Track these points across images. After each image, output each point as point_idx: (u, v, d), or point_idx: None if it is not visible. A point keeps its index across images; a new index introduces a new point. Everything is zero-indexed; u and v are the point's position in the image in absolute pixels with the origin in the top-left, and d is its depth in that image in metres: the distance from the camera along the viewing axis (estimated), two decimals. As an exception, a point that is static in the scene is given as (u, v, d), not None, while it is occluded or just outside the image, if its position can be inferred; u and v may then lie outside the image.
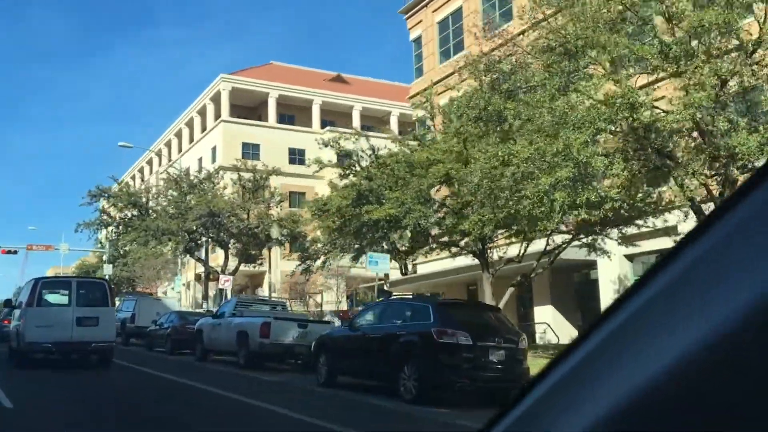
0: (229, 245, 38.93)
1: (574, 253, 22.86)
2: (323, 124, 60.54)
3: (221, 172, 40.65)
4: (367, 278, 47.39)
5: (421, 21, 40.16)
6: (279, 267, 45.67)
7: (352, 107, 62.55)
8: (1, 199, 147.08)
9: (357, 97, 63.70)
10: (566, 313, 30.40)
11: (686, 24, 12.75)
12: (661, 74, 14.36)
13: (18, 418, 10.48)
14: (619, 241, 20.82)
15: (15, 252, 54.79)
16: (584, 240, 20.84)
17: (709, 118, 12.42)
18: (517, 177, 13.98)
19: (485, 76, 16.49)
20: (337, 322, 23.01)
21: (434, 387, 12.52)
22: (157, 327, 27.56)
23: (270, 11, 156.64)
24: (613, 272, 26.34)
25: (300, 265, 31.50)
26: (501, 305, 19.04)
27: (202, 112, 62.88)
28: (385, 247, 25.51)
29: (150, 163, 76.57)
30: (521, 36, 17.22)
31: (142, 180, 72.57)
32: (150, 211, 40.05)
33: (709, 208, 14.69)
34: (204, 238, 39.01)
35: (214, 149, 57.75)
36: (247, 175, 38.36)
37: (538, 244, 21.87)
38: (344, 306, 48.54)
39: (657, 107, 13.79)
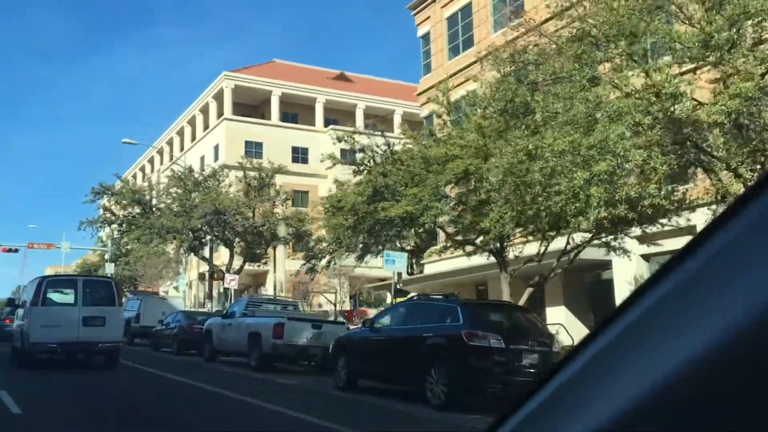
0: (234, 244, 38.29)
1: (589, 252, 22.25)
2: (326, 123, 59.92)
3: (226, 170, 39.94)
4: (371, 278, 46.80)
5: (429, 17, 39.56)
6: (284, 266, 45.02)
7: (356, 105, 61.87)
8: (1, 199, 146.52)
9: (361, 95, 63.07)
10: (578, 314, 29.81)
11: (729, 11, 12.13)
12: (695, 64, 13.76)
13: (28, 425, 9.86)
14: (642, 240, 20.18)
15: (16, 250, 54.21)
16: (604, 239, 20.19)
17: (754, 109, 11.78)
18: (546, 172, 13.33)
19: (510, 66, 15.82)
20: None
21: (464, 392, 11.88)
22: (163, 327, 26.93)
23: (270, 11, 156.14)
24: (629, 272, 25.72)
25: (305, 264, 30.91)
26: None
27: (205, 110, 62.22)
28: (398, 245, 24.88)
29: (151, 161, 75.91)
30: (545, 24, 16.58)
31: (144, 179, 71.94)
32: (154, 208, 39.37)
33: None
34: (208, 237, 38.35)
35: (216, 147, 57.10)
36: (252, 173, 37.73)
37: (556, 243, 21.25)
38: (346, 306, 47.98)
39: (694, 99, 13.17)
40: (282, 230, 33.38)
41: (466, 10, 36.72)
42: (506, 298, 20.47)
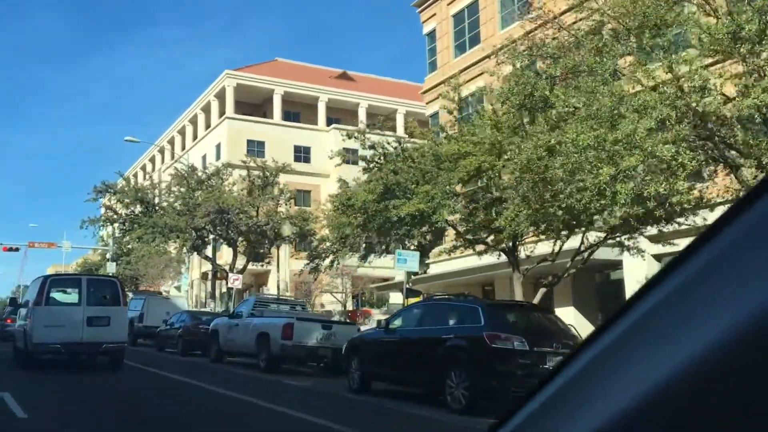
0: (237, 243, 37.84)
1: (600, 252, 21.82)
2: (329, 122, 59.51)
3: (229, 169, 39.45)
4: (374, 278, 46.36)
5: (435, 14, 39.15)
6: (287, 266, 44.57)
7: (358, 105, 61.43)
8: (1, 198, 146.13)
9: (363, 94, 62.63)
10: (588, 315, 29.42)
11: (759, 1, 11.71)
12: (720, 57, 13.32)
13: (34, 429, 9.43)
14: (656, 239, 19.76)
15: (17, 249, 53.74)
16: (618, 238, 19.75)
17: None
18: (568, 168, 12.88)
19: (528, 60, 15.37)
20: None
21: (486, 396, 11.44)
22: (167, 327, 26.47)
23: (270, 11, 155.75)
24: (640, 272, 25.30)
25: (308, 263, 30.50)
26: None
27: (207, 109, 61.76)
28: (406, 244, 24.44)
29: (153, 160, 75.48)
30: (562, 16, 16.12)
31: (144, 178, 71.47)
32: (157, 207, 38.88)
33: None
34: (212, 236, 37.88)
35: (218, 146, 56.63)
36: (256, 172, 37.28)
37: (568, 243, 20.82)
38: (349, 306, 47.48)
39: (723, 93, 12.73)
40: (287, 229, 32.91)
41: (473, 7, 36.31)
42: (519, 298, 20.03)
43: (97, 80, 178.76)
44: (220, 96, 59.13)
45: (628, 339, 0.86)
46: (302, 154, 57.36)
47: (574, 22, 16.20)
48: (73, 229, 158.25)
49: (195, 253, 40.11)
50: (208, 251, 39.39)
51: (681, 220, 18.86)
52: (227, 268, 38.31)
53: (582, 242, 19.69)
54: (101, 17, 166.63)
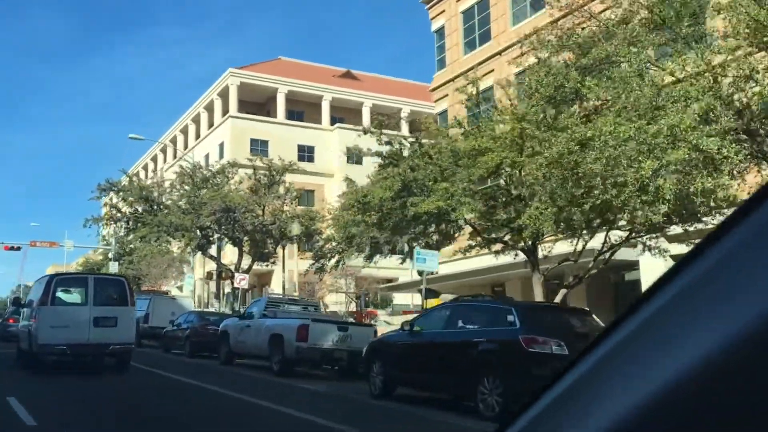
0: (243, 242, 37.19)
1: (618, 252, 21.20)
2: (333, 121, 58.88)
3: (235, 167, 38.77)
4: (378, 278, 45.67)
5: (444, 11, 38.52)
6: (295, 266, 43.91)
7: (362, 104, 60.77)
8: (1, 198, 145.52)
9: (367, 93, 61.99)
10: (603, 316, 28.67)
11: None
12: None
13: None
14: (681, 239, 19.09)
15: (18, 248, 53.08)
16: (641, 238, 19.09)
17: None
18: (603, 162, 12.22)
19: (557, 50, 14.69)
20: None
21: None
22: (174, 328, 25.78)
23: (270, 10, 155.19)
24: (657, 273, 24.55)
25: (314, 263, 29.90)
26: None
27: (210, 108, 61.10)
28: (415, 244, 23.80)
29: (155, 160, 74.82)
30: (590, 4, 15.48)
31: (147, 176, 70.80)
32: (161, 206, 38.20)
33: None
34: (217, 235, 37.21)
35: (221, 145, 55.97)
36: (261, 171, 36.64)
37: (589, 242, 20.19)
38: (352, 307, 46.80)
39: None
40: (296, 228, 32.24)
41: (483, 3, 35.71)
42: (539, 299, 19.41)
43: (97, 80, 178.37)
44: (224, 94, 58.50)
45: (637, 338, 0.84)
46: (306, 153, 56.69)
47: (603, 11, 15.57)
48: (74, 228, 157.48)
49: (199, 252, 39.46)
50: (213, 251, 38.73)
51: (707, 218, 18.27)
52: (232, 268, 37.67)
53: (605, 241, 19.06)
54: (101, 17, 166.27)
